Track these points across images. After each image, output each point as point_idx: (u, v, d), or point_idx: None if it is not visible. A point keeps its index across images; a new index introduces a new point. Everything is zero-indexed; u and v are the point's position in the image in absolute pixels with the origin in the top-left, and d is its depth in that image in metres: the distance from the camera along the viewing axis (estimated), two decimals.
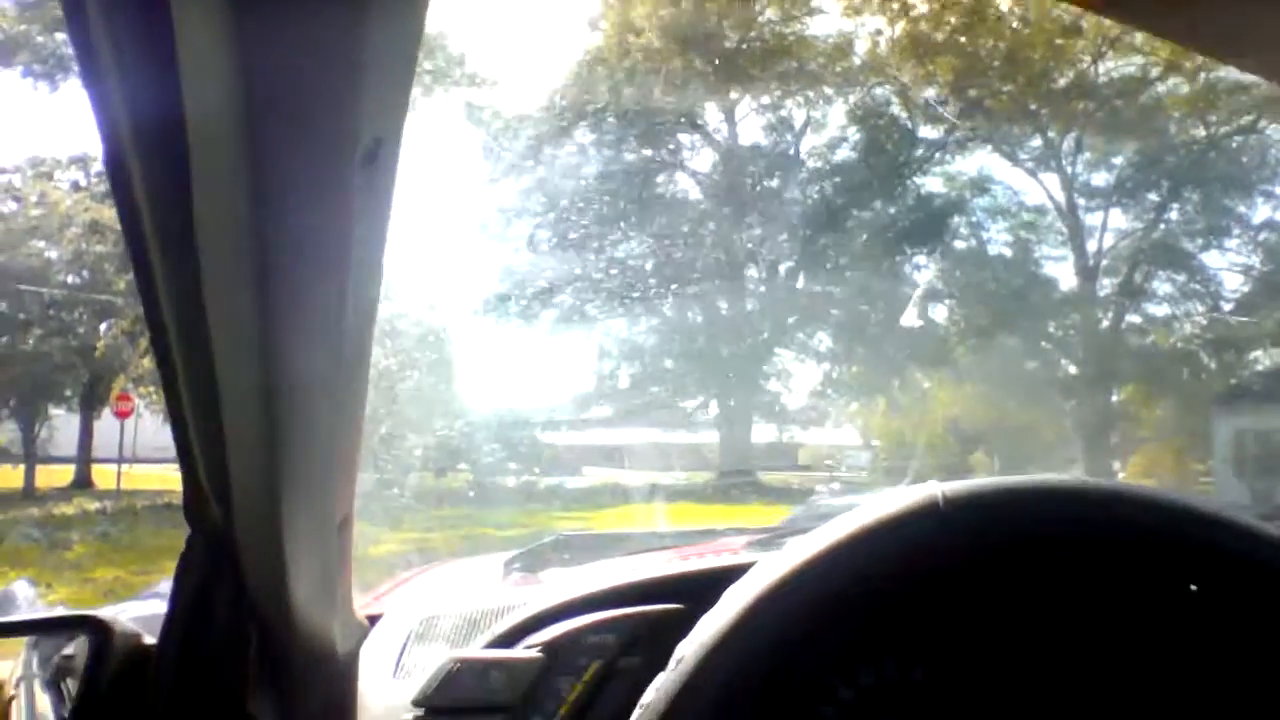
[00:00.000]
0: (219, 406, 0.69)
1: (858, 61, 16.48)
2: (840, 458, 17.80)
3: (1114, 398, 16.20)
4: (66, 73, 13.22)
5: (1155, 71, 14.86)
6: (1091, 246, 16.15)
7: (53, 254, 14.73)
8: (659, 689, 0.72)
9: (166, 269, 0.63)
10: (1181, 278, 16.07)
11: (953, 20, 14.92)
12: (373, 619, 1.12)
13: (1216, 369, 15.41)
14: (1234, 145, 15.46)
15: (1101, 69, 15.09)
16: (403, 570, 1.61)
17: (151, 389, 12.23)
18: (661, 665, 0.74)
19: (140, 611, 1.10)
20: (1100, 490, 0.75)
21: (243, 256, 0.62)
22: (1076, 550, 0.78)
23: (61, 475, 15.01)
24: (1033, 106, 15.62)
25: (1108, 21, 13.50)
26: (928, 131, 16.95)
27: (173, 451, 0.77)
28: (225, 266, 0.62)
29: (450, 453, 14.11)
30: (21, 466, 14.79)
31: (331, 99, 0.57)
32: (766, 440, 18.67)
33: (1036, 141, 16.26)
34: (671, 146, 18.00)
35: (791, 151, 17.73)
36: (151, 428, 13.37)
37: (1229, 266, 15.99)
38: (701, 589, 0.85)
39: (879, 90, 16.78)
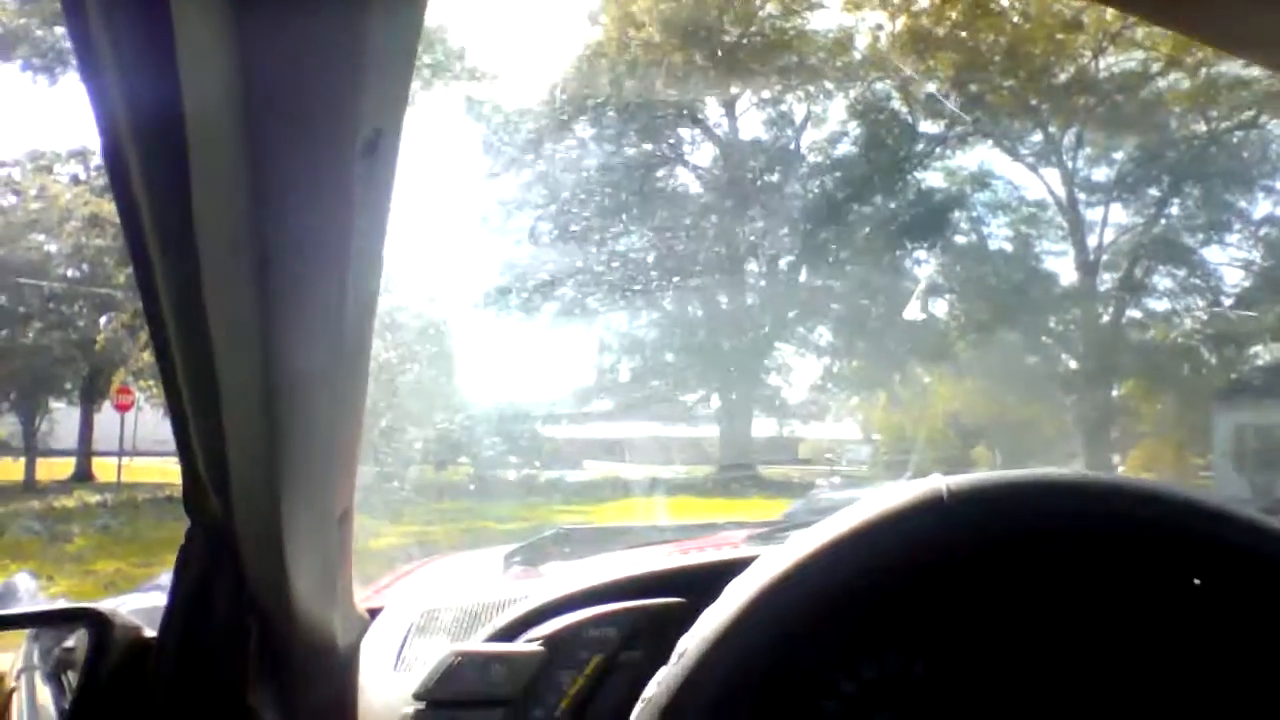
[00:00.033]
0: (218, 400, 0.69)
1: (858, 56, 16.46)
2: (840, 452, 17.79)
3: (1114, 392, 16.21)
4: (66, 66, 13.18)
5: (1156, 66, 14.84)
6: (1092, 241, 16.16)
7: (52, 247, 14.72)
8: (661, 683, 0.72)
9: (165, 263, 0.62)
10: (1182, 273, 16.07)
11: (953, 15, 14.90)
12: (373, 612, 1.12)
13: (1217, 364, 15.42)
14: (1235, 140, 15.44)
15: (1102, 64, 15.08)
16: (403, 563, 1.60)
17: (151, 382, 12.24)
18: (663, 659, 0.74)
19: (141, 604, 1.10)
20: (1103, 484, 0.75)
21: (242, 250, 0.61)
22: (1080, 544, 0.78)
23: (62, 468, 15.03)
24: (1033, 101, 15.60)
25: (1109, 16, 13.50)
26: (928, 126, 16.95)
27: (173, 444, 0.77)
28: (224, 260, 0.61)
29: (451, 446, 14.12)
30: (22, 459, 14.81)
31: (331, 92, 0.56)
32: (767, 434, 18.70)
33: (1037, 136, 16.25)
34: (672, 141, 17.99)
35: (792, 146, 17.72)
36: (152, 421, 13.39)
37: (1229, 261, 16.03)
38: (703, 583, 0.85)
39: (880, 85, 16.76)
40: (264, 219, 0.60)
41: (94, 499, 12.48)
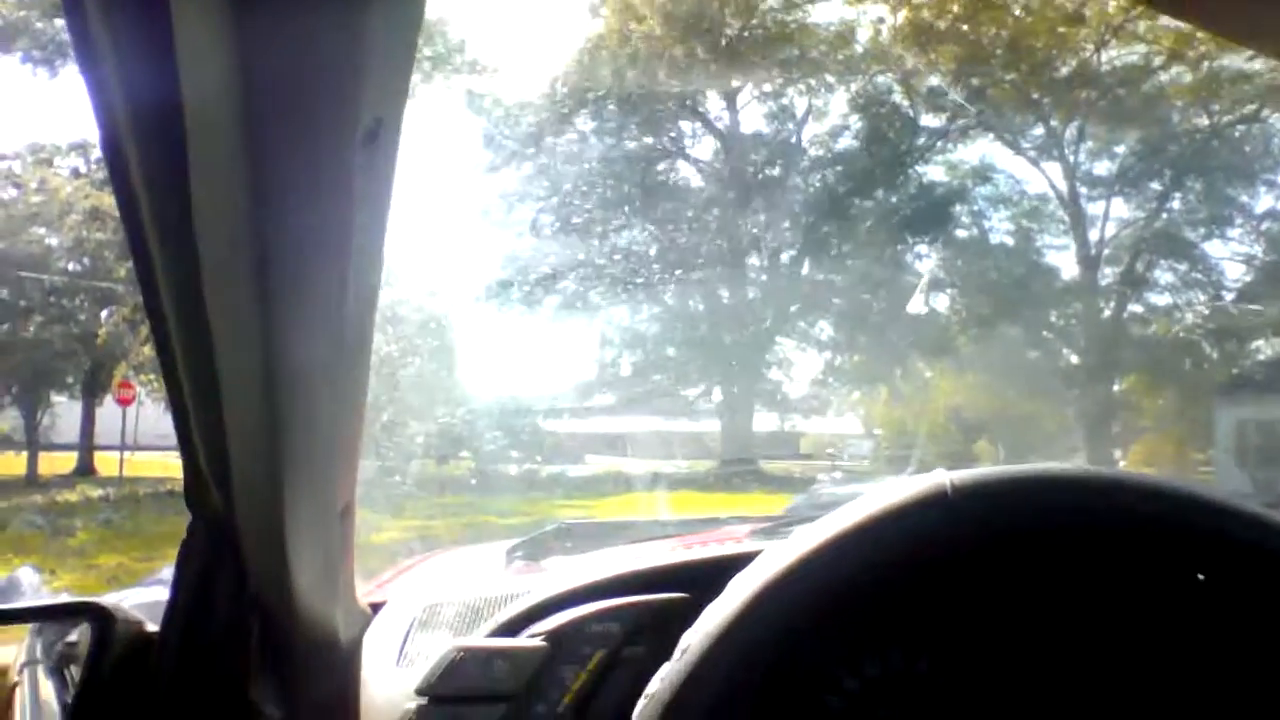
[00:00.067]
0: (219, 394, 0.69)
1: (860, 49, 16.43)
2: (842, 446, 17.80)
3: (1116, 387, 16.20)
4: (66, 59, 13.16)
5: (1158, 60, 14.80)
6: (1094, 235, 16.14)
7: (53, 241, 14.71)
8: (664, 678, 0.72)
9: (165, 256, 0.62)
10: (1184, 267, 16.06)
11: (955, 8, 14.86)
12: (375, 607, 1.11)
13: (1218, 359, 15.40)
14: (1237, 134, 15.41)
15: (1104, 57, 15.03)
16: (405, 558, 1.60)
17: (153, 376, 12.23)
18: (666, 655, 0.73)
19: (143, 598, 1.10)
20: (1106, 479, 0.75)
21: (242, 243, 0.61)
22: (1083, 540, 0.77)
23: (64, 462, 15.05)
24: (1035, 95, 15.57)
25: (1111, 9, 13.48)
26: (930, 120, 16.93)
27: (175, 439, 0.77)
28: (224, 254, 0.61)
29: (452, 440, 14.13)
30: (24, 454, 14.82)
31: (332, 83, 0.56)
32: (768, 429, 18.69)
33: (1039, 130, 16.22)
34: (673, 134, 17.98)
35: (793, 139, 17.69)
36: (153, 415, 13.39)
37: (1231, 256, 15.98)
38: (706, 578, 0.85)
39: (881, 78, 16.73)
40: (264, 212, 0.60)
41: (96, 493, 12.51)
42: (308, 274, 0.65)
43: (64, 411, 15.86)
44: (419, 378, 13.09)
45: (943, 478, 0.73)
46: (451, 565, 1.61)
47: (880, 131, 16.85)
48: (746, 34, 16.37)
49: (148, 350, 11.97)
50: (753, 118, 18.21)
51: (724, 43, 16.05)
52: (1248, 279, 15.61)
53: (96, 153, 13.84)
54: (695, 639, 0.72)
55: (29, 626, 1.30)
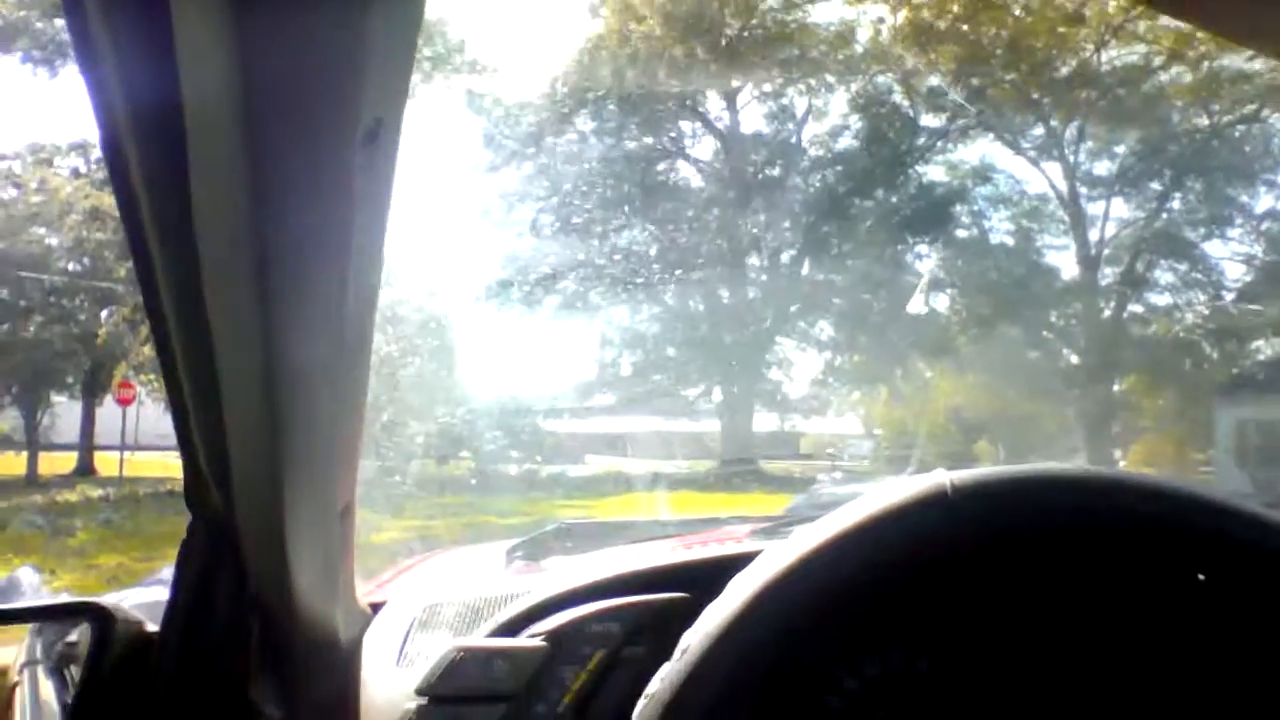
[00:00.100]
0: (219, 394, 0.69)
1: (860, 49, 16.43)
2: (842, 446, 17.79)
3: (1116, 387, 16.19)
4: (66, 58, 13.15)
5: (1158, 60, 14.79)
6: (1094, 236, 16.14)
7: (53, 241, 14.71)
8: (664, 678, 0.72)
9: (165, 256, 0.62)
10: (1184, 267, 16.06)
11: (955, 8, 14.86)
12: (375, 606, 1.11)
13: (1219, 359, 15.40)
14: (1237, 134, 15.40)
15: (1104, 57, 15.03)
16: (405, 558, 1.60)
17: (153, 376, 12.23)
18: (666, 655, 0.73)
19: (143, 598, 1.10)
20: (1106, 479, 0.75)
21: (242, 243, 0.61)
22: (1083, 540, 0.77)
23: (64, 462, 15.05)
24: (1035, 95, 15.57)
25: (1111, 9, 13.48)
26: (930, 120, 16.94)
27: (174, 439, 0.77)
28: (224, 254, 0.61)
29: (452, 440, 14.13)
30: (24, 454, 14.82)
31: (331, 85, 0.56)
32: (768, 429, 18.69)
33: (1039, 130, 16.22)
34: (673, 133, 17.98)
35: (793, 139, 17.69)
36: (154, 415, 13.39)
37: (1231, 256, 15.98)
38: (706, 578, 0.85)
39: (881, 78, 16.73)
40: (264, 212, 0.60)
41: (96, 493, 12.51)
42: (308, 274, 0.65)
43: (64, 411, 15.87)
44: (419, 378, 13.09)
45: (943, 478, 0.73)
46: (451, 565, 1.61)
47: (880, 131, 16.85)
48: (746, 34, 16.37)
49: (148, 350, 11.96)
50: (753, 118, 18.25)
51: (724, 43, 16.05)
52: (1248, 279, 15.62)
53: (96, 153, 13.84)
54: (695, 639, 0.72)
55: (29, 626, 1.30)
